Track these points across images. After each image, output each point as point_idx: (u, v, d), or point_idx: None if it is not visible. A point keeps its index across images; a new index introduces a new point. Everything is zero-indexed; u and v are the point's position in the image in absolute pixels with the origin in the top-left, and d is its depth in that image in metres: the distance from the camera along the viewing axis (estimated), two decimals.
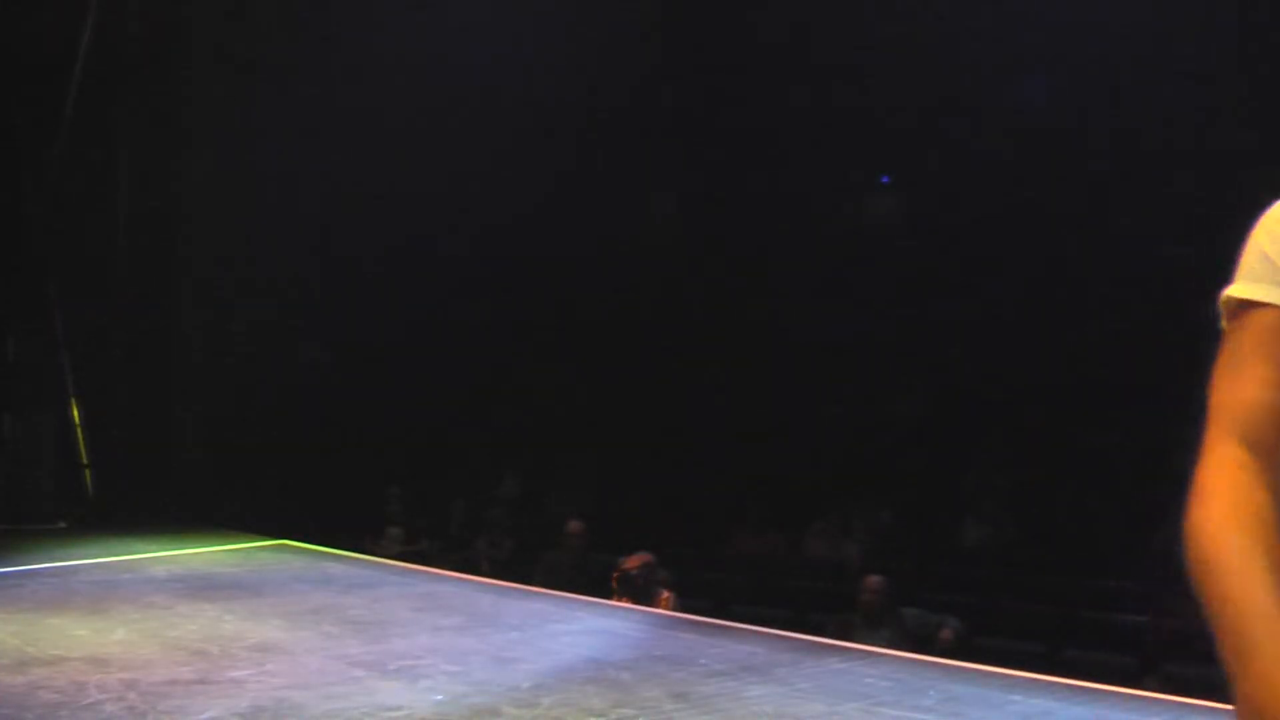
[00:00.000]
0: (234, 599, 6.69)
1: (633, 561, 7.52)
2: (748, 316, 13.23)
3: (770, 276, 13.24)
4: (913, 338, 12.45)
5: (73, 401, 11.36)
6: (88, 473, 11.27)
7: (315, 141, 11.92)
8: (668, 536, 9.32)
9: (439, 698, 4.56)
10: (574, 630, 6.08)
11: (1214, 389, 1.53)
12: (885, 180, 13.69)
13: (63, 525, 10.24)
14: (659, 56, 12.79)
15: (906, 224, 13.06)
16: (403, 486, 11.76)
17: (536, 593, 7.56)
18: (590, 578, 8.54)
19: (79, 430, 11.31)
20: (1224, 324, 1.55)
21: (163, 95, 11.85)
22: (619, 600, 7.28)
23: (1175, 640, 8.12)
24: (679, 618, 6.77)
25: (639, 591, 7.33)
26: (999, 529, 10.72)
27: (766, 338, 13.07)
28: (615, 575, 7.50)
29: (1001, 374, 12.03)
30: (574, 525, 9.33)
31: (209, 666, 5.01)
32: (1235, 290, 1.54)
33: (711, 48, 12.91)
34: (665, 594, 7.40)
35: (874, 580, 7.95)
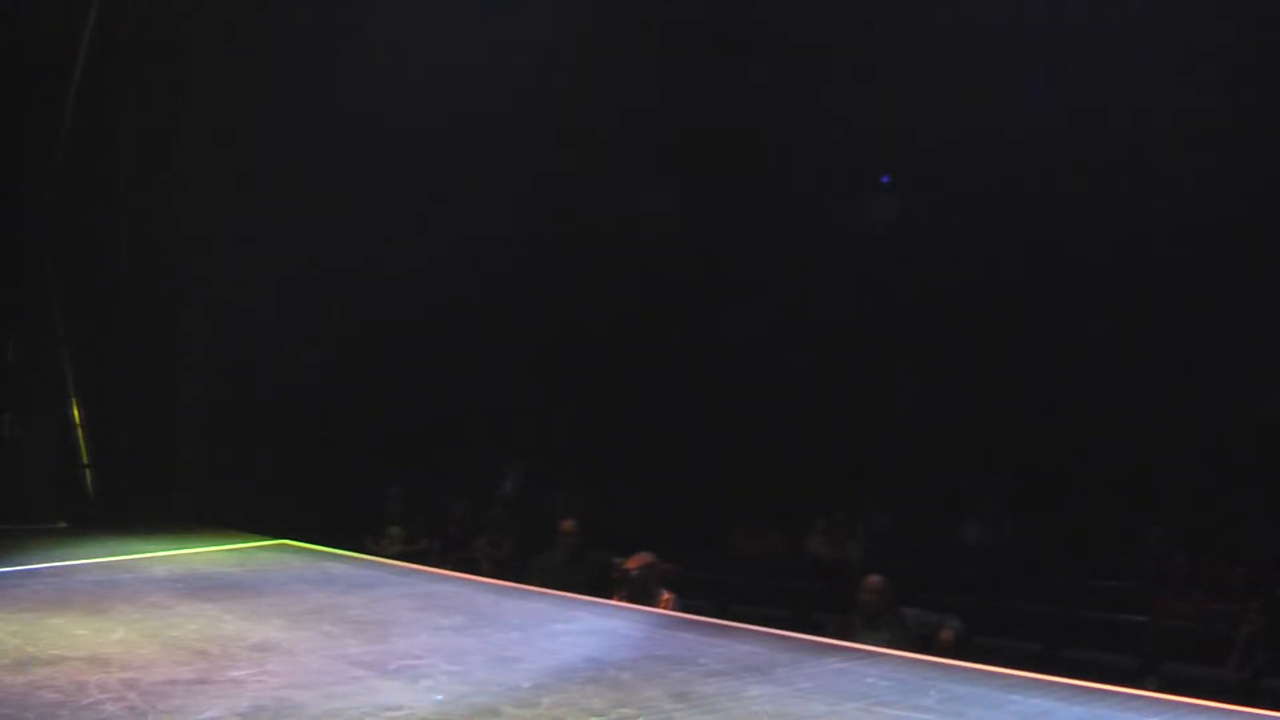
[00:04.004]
0: (234, 599, 6.69)
1: (633, 562, 7.52)
2: (748, 317, 13.24)
3: (770, 277, 13.25)
4: (913, 338, 12.46)
5: (73, 401, 11.35)
6: (88, 473, 11.27)
7: (316, 140, 11.91)
8: (668, 536, 9.32)
9: (439, 697, 4.56)
10: (574, 630, 6.08)
11: None
12: (885, 180, 13.69)
13: (63, 525, 10.24)
14: (656, 58, 12.78)
15: (906, 224, 13.06)
16: (403, 486, 11.76)
17: (536, 593, 7.56)
18: (584, 577, 8.54)
19: (79, 430, 11.30)
20: None
21: (164, 95, 11.84)
22: (619, 600, 7.29)
23: (1175, 640, 8.13)
24: (679, 618, 6.77)
25: (639, 591, 7.33)
26: (999, 529, 10.73)
27: (766, 338, 13.08)
28: (615, 576, 7.50)
29: (1002, 374, 12.04)
30: (567, 524, 9.32)
31: (209, 666, 5.01)
32: None
33: (711, 49, 12.91)
34: (665, 594, 7.41)
35: (874, 580, 7.95)
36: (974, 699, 4.73)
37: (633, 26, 12.43)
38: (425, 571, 8.52)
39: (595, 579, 8.27)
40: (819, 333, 12.78)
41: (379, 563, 8.85)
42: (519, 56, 11.86)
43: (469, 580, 8.07)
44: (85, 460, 11.29)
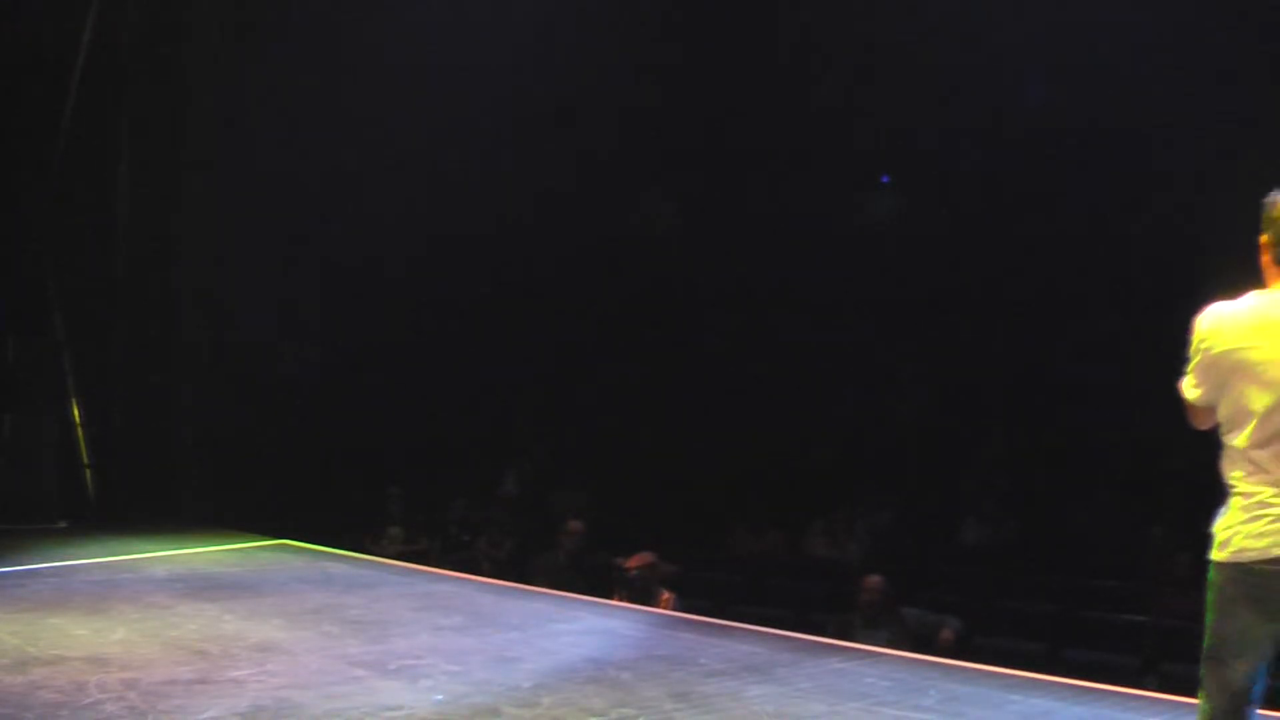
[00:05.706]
0: (234, 599, 6.69)
1: (633, 562, 7.53)
2: (748, 317, 13.24)
3: (770, 276, 13.24)
4: (913, 338, 12.45)
5: (73, 401, 11.35)
6: (88, 473, 11.27)
7: (315, 144, 11.91)
8: (668, 536, 9.32)
9: (439, 697, 4.57)
10: (574, 630, 6.09)
11: None
12: (885, 180, 13.68)
13: (63, 525, 10.25)
14: (657, 59, 12.77)
15: (906, 224, 13.05)
16: (403, 486, 11.76)
17: (536, 593, 7.57)
18: (586, 577, 8.54)
19: (79, 430, 11.31)
20: None
21: (163, 97, 11.85)
22: (619, 600, 7.29)
23: (1175, 640, 8.12)
24: (679, 618, 6.77)
25: (639, 591, 7.34)
26: (999, 529, 10.72)
27: (766, 338, 13.07)
28: (620, 576, 7.51)
29: (1001, 374, 12.03)
30: (574, 525, 9.33)
31: (209, 666, 5.01)
32: None
33: (711, 50, 12.90)
34: (665, 594, 7.41)
35: (874, 580, 7.95)
36: (974, 699, 4.73)
37: (631, 23, 12.41)
38: (425, 571, 8.53)
39: (596, 579, 8.27)
40: (819, 332, 12.77)
41: (379, 563, 8.85)
42: (517, 54, 11.85)
43: (469, 580, 8.07)
44: (85, 460, 11.30)
